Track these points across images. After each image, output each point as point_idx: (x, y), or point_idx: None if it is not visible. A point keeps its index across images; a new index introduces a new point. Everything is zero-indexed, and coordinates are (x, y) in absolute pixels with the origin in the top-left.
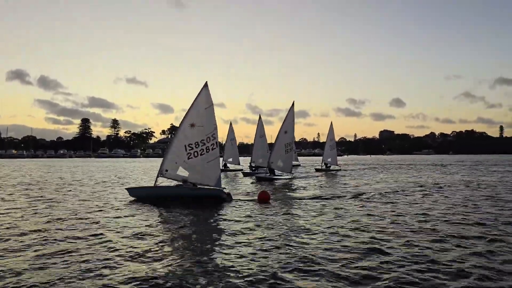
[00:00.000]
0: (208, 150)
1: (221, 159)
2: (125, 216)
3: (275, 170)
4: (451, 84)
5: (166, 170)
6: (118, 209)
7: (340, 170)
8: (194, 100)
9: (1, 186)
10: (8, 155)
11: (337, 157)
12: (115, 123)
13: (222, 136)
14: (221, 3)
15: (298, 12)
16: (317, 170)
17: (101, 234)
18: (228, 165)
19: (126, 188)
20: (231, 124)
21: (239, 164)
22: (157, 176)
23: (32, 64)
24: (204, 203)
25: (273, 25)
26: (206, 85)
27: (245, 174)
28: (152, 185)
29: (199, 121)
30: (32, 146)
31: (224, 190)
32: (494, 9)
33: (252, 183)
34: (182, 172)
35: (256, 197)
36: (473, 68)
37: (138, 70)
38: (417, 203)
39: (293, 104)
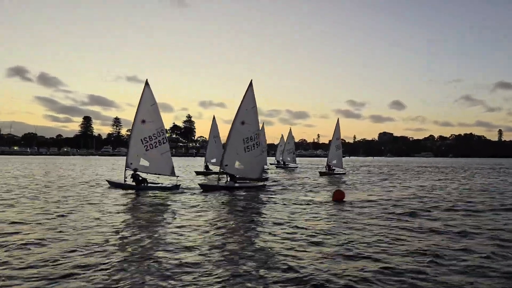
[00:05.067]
0: (160, 144)
1: (203, 158)
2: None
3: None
4: (451, 87)
5: (131, 163)
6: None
7: (345, 173)
8: (141, 98)
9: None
10: (9, 152)
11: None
12: (116, 122)
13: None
14: (222, 3)
15: (298, 13)
16: (321, 174)
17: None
18: (211, 166)
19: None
20: (214, 119)
21: None
22: (125, 170)
23: (32, 61)
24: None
25: (274, 25)
26: (147, 83)
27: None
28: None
29: (148, 118)
30: (35, 143)
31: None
32: (496, 14)
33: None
34: (144, 163)
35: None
36: (474, 72)
37: (139, 69)
38: None
39: (250, 83)
